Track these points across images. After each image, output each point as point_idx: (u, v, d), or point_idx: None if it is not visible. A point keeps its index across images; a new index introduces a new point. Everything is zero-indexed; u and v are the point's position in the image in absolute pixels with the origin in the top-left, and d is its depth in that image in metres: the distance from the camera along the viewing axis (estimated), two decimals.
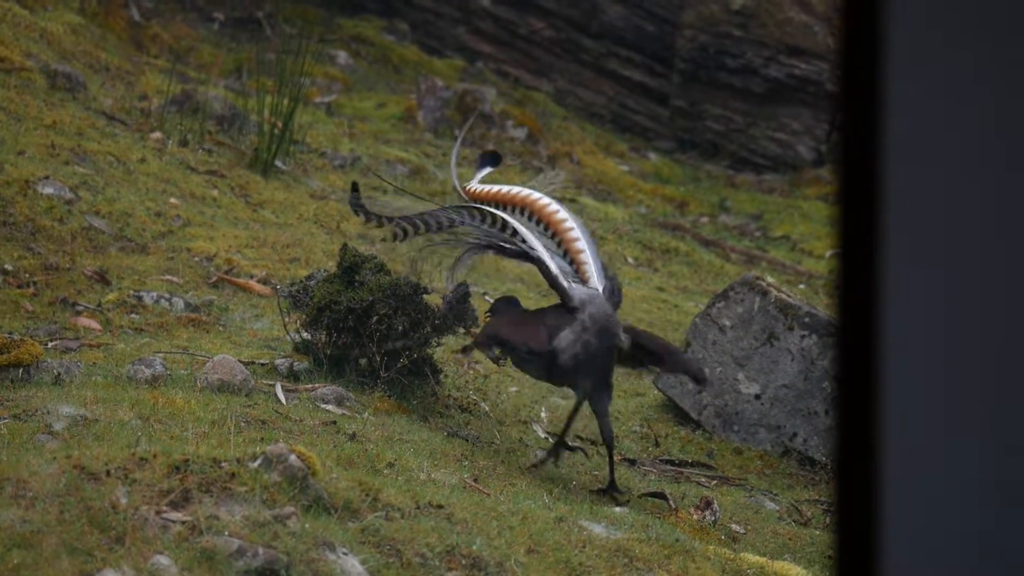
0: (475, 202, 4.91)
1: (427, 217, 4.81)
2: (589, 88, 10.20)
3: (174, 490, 3.47)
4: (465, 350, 4.95)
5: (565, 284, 4.64)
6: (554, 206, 4.83)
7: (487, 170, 5.10)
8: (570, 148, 9.17)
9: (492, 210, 4.78)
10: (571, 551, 3.83)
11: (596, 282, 4.69)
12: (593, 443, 5.13)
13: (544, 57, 10.21)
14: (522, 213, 4.84)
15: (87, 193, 6.23)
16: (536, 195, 4.86)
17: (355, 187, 4.87)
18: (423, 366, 5.03)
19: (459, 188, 5.00)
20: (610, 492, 4.63)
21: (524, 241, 4.74)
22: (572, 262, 4.74)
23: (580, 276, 4.71)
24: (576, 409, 4.71)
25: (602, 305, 4.60)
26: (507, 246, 4.78)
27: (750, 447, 5.47)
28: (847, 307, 1.71)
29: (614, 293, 4.68)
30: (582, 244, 4.77)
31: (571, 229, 4.79)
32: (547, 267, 4.67)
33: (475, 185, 4.98)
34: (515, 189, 4.91)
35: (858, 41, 1.69)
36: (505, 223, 4.77)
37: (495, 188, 4.92)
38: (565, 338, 4.55)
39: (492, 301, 5.11)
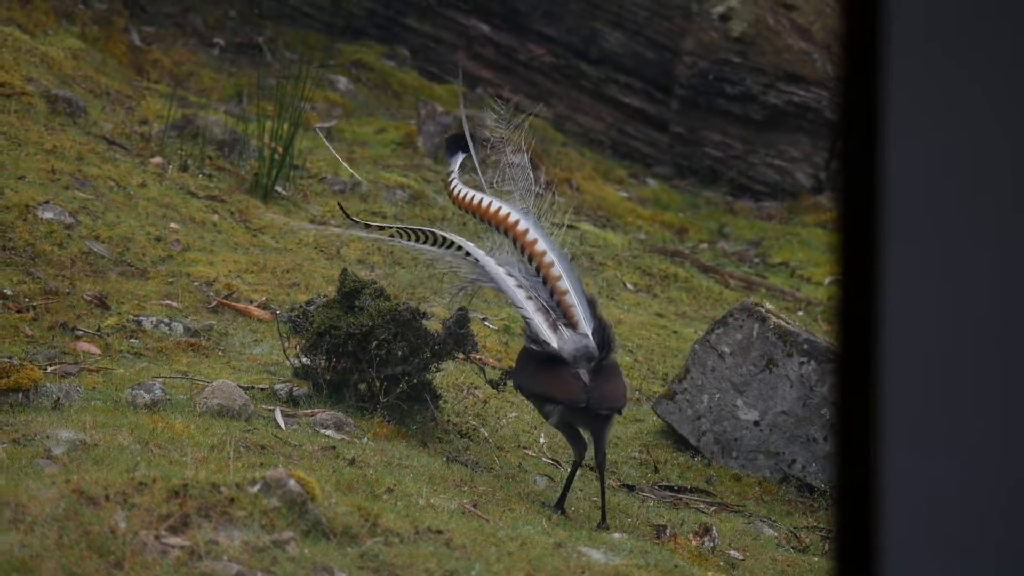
0: (458, 207, 4.88)
1: (407, 231, 4.82)
2: (588, 114, 10.22)
3: (173, 515, 3.47)
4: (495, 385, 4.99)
5: (555, 343, 4.59)
6: (533, 234, 4.71)
7: (460, 158, 5.00)
8: (569, 174, 9.18)
9: (457, 239, 4.74)
10: None
11: (584, 326, 4.63)
12: (591, 468, 5.13)
13: (544, 83, 10.23)
14: (504, 234, 4.77)
15: (87, 218, 6.24)
16: (516, 217, 4.76)
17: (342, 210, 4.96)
18: (422, 391, 5.03)
19: (448, 187, 4.95)
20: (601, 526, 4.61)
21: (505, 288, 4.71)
22: (559, 304, 4.66)
23: (568, 319, 4.64)
24: (575, 470, 4.72)
25: (590, 354, 4.56)
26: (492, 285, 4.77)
27: (749, 473, 5.46)
28: (846, 334, 1.71)
29: (605, 341, 4.60)
30: (564, 283, 4.68)
31: (552, 264, 4.65)
32: (531, 325, 4.62)
33: (460, 188, 4.89)
34: (496, 205, 4.80)
35: (858, 68, 1.70)
36: (461, 248, 4.75)
37: (479, 198, 4.85)
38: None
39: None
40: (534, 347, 4.60)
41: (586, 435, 4.65)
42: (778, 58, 9.91)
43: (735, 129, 9.93)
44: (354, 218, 4.92)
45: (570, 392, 4.50)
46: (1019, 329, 1.66)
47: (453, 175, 4.90)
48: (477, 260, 4.71)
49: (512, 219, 4.75)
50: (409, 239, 4.80)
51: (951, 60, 1.67)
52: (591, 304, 4.66)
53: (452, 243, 4.75)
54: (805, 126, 9.88)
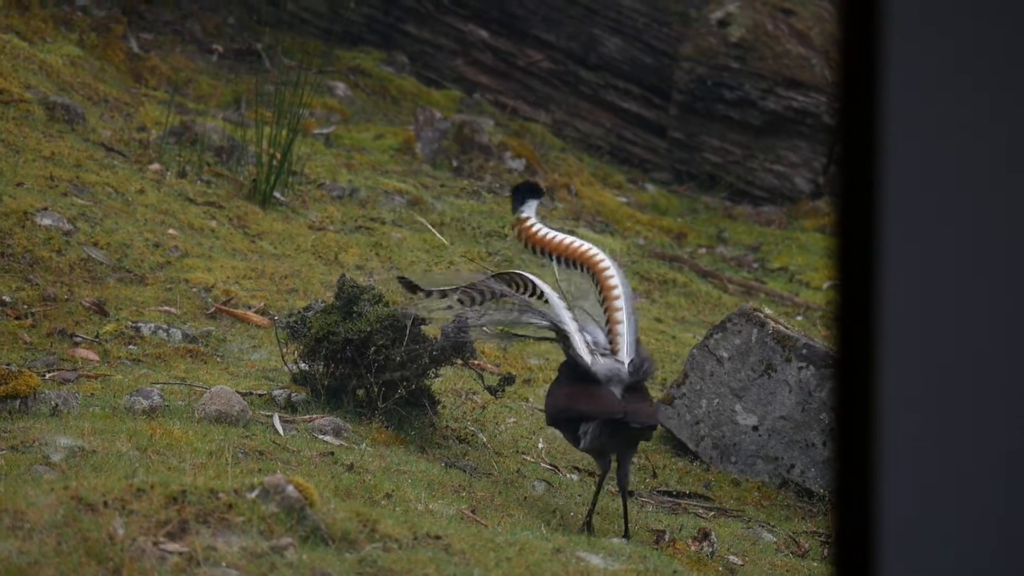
0: (534, 245, 4.87)
1: (477, 288, 4.78)
2: (587, 119, 10.22)
3: (171, 521, 3.47)
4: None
5: (588, 359, 4.60)
6: (611, 271, 4.76)
7: (533, 204, 4.99)
8: (568, 179, 9.18)
9: (529, 276, 4.74)
10: None
11: (624, 355, 4.64)
12: (591, 473, 5.13)
13: (542, 88, 10.24)
14: (581, 269, 4.79)
15: (85, 224, 6.24)
16: (600, 256, 4.79)
17: (403, 280, 4.90)
18: (421, 397, 5.03)
19: (519, 226, 4.92)
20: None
21: (549, 305, 4.70)
22: (609, 331, 4.70)
23: (611, 347, 4.67)
24: (603, 482, 4.70)
25: (621, 378, 4.58)
26: (537, 321, 4.75)
27: (748, 478, 5.46)
28: (845, 338, 1.71)
29: (639, 369, 4.62)
30: (621, 315, 4.72)
31: (617, 298, 4.73)
32: (571, 342, 4.64)
33: (538, 226, 4.89)
34: (578, 244, 4.85)
35: (856, 73, 1.70)
36: (536, 288, 4.71)
37: (560, 237, 4.87)
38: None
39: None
40: (569, 363, 4.63)
41: (612, 456, 4.65)
42: (777, 63, 9.91)
43: (734, 134, 9.94)
44: (421, 287, 4.88)
45: (606, 405, 4.50)
46: (1018, 335, 1.66)
47: (531, 219, 4.89)
48: (547, 300, 4.72)
49: (597, 257, 4.75)
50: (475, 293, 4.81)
51: (950, 65, 1.67)
52: (637, 341, 4.70)
53: (529, 286, 4.75)
54: (804, 131, 9.89)
